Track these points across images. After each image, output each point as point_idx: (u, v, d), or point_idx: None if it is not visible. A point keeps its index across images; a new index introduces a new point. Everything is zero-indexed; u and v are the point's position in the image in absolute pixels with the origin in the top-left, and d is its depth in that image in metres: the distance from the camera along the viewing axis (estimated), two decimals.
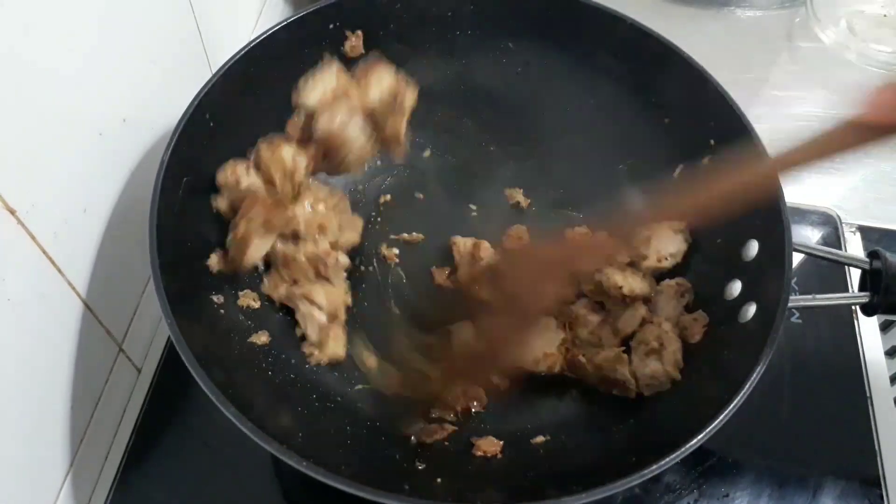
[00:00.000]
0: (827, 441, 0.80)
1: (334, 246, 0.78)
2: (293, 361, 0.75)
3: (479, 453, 0.70)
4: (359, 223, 0.84)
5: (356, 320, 0.81)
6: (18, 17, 0.53)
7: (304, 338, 0.77)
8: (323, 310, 0.74)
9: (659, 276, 0.81)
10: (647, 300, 0.79)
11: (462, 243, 0.82)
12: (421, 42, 0.90)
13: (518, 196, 0.92)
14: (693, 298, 0.79)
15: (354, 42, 0.87)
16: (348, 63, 0.88)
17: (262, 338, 0.74)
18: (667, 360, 0.72)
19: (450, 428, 0.72)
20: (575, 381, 0.77)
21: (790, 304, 0.64)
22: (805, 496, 0.75)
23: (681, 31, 0.85)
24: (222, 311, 0.73)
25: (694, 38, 0.87)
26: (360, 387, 0.74)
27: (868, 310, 0.72)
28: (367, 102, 0.74)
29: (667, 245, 0.81)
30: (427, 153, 0.95)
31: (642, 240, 0.81)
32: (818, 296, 0.74)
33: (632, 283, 0.78)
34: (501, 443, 0.71)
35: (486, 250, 0.80)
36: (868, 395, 0.82)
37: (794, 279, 0.90)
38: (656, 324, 0.76)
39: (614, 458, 0.66)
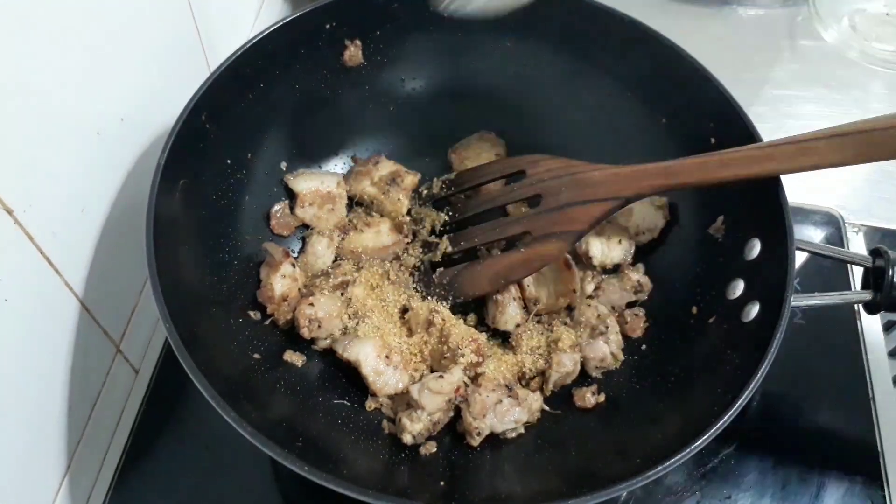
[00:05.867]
0: (830, 442, 0.79)
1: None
2: (289, 363, 0.75)
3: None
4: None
5: None
6: (17, 17, 0.53)
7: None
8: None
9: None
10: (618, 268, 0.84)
11: (419, 308, 0.78)
12: (418, 42, 0.90)
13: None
14: (646, 299, 0.82)
15: (353, 51, 0.87)
16: (348, 71, 0.88)
17: (257, 354, 0.73)
18: (613, 342, 0.76)
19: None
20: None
21: (793, 304, 0.64)
22: (808, 497, 0.75)
23: (682, 30, 0.84)
24: (222, 314, 0.73)
25: (695, 36, 0.86)
26: (369, 404, 0.74)
27: (871, 308, 0.71)
28: (363, 193, 0.88)
29: (646, 219, 0.84)
30: (427, 159, 0.94)
31: (623, 212, 0.83)
32: (821, 294, 0.73)
33: (605, 253, 0.82)
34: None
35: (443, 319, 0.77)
36: (871, 395, 0.82)
37: (797, 279, 0.89)
38: (593, 306, 0.79)
39: (619, 459, 0.66)
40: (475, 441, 0.70)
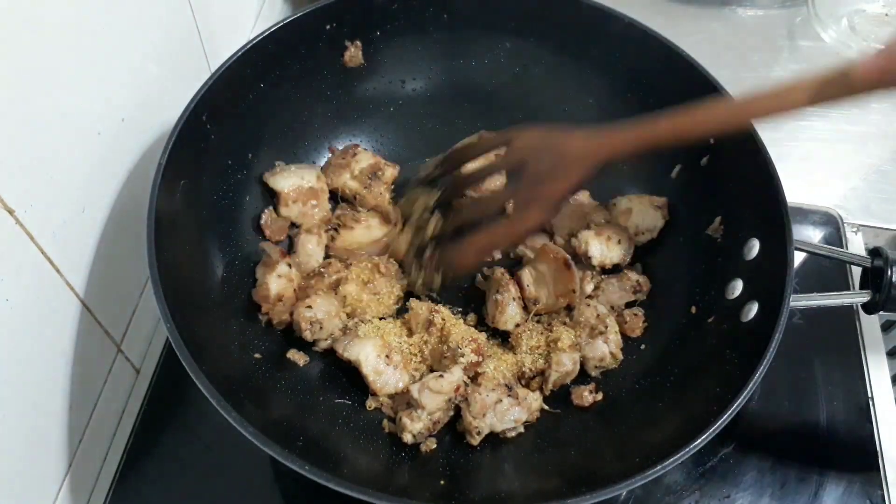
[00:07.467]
0: (828, 441, 0.79)
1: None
2: (290, 363, 0.75)
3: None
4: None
5: None
6: (17, 18, 0.53)
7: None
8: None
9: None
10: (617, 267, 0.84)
11: (419, 308, 0.78)
12: (418, 43, 0.90)
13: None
14: (644, 299, 0.82)
15: (353, 52, 0.87)
16: (348, 72, 0.88)
17: (257, 354, 0.74)
18: (612, 341, 0.76)
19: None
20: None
21: (792, 304, 0.64)
22: (806, 496, 0.75)
23: (682, 30, 0.85)
24: (223, 314, 0.73)
25: (695, 37, 0.87)
26: (369, 403, 0.75)
27: (870, 308, 0.71)
28: (344, 186, 0.87)
29: (645, 220, 0.84)
30: (427, 159, 0.94)
31: (622, 212, 0.85)
32: (820, 295, 0.73)
33: (604, 254, 0.82)
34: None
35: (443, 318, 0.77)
36: (870, 395, 0.82)
37: (796, 279, 0.90)
38: (592, 306, 0.79)
39: (618, 459, 0.66)
40: (475, 440, 0.70)
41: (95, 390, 0.74)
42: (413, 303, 0.79)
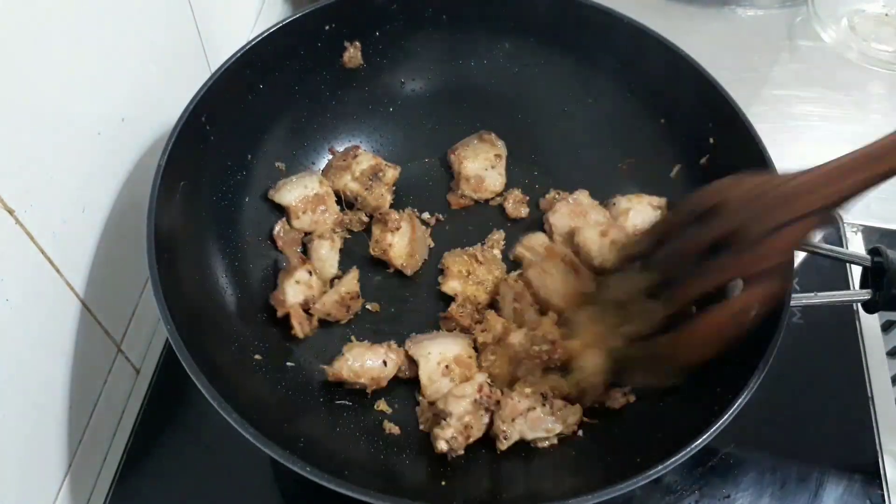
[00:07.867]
0: (829, 441, 0.79)
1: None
2: (290, 365, 0.75)
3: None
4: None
5: None
6: (17, 18, 0.53)
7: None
8: None
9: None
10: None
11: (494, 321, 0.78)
12: (418, 43, 0.90)
13: (517, 196, 0.91)
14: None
15: (353, 53, 0.87)
16: (347, 72, 0.88)
17: (258, 355, 0.73)
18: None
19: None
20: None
21: (792, 303, 0.64)
22: (806, 496, 0.75)
23: (681, 31, 0.85)
24: (223, 314, 0.73)
25: (694, 37, 0.86)
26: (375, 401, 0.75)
27: (870, 307, 0.71)
28: (345, 188, 0.86)
29: (644, 219, 0.84)
30: (427, 160, 0.95)
31: (622, 212, 0.84)
32: (820, 294, 0.73)
33: (604, 253, 0.81)
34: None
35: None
36: (870, 395, 0.82)
37: (796, 278, 0.90)
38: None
39: (618, 459, 0.66)
40: (503, 445, 0.69)
41: (95, 390, 0.74)
42: (490, 314, 0.79)
